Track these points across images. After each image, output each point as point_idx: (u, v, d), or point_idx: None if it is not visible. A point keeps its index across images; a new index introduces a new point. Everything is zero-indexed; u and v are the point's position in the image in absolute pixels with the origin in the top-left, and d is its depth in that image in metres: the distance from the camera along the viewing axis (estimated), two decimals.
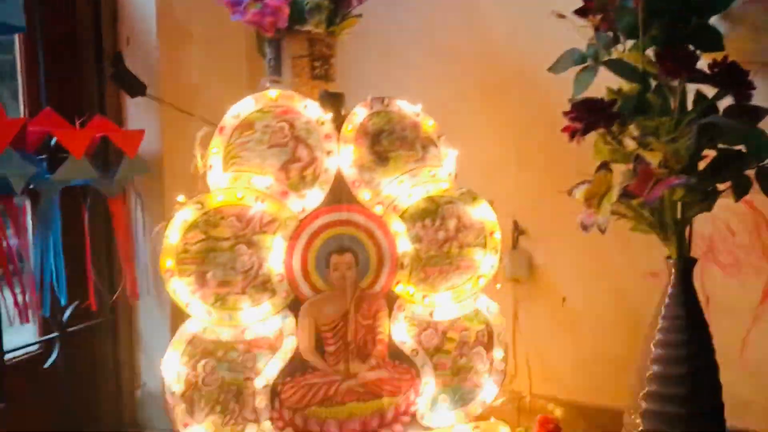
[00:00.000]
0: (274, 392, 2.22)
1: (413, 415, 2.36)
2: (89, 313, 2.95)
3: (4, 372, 2.64)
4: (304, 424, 2.25)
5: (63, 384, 2.88)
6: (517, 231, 2.94)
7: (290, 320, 2.24)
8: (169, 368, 2.14)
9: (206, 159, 2.15)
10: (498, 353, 2.45)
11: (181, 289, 2.14)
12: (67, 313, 2.87)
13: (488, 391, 2.44)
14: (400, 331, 2.35)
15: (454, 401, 2.41)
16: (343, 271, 2.28)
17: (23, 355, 2.86)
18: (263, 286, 2.21)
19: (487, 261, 2.42)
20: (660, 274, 2.54)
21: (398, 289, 2.35)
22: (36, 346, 2.92)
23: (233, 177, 2.18)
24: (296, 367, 2.25)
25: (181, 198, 2.17)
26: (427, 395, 2.37)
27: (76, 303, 2.87)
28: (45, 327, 2.91)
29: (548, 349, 2.89)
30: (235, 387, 2.20)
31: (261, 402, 2.21)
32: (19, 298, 2.42)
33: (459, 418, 2.41)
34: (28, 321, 2.43)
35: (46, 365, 2.83)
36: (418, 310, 2.37)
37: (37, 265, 2.55)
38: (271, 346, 2.23)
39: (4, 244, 2.40)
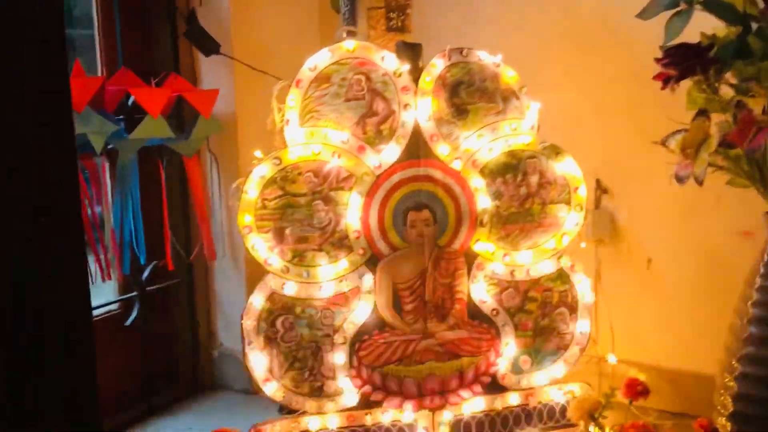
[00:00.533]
0: (352, 350, 2.20)
1: (494, 376, 2.29)
2: (167, 273, 2.99)
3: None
4: (382, 382, 2.21)
5: (142, 343, 2.94)
6: (600, 189, 2.81)
7: (367, 278, 2.20)
8: (249, 324, 2.13)
9: (283, 113, 2.12)
10: (582, 315, 2.35)
11: (259, 245, 2.12)
12: (146, 272, 2.92)
13: (571, 353, 2.36)
14: (479, 290, 2.28)
15: (536, 363, 2.34)
16: (421, 228, 2.22)
17: (104, 313, 2.93)
18: (340, 242, 2.18)
19: (571, 218, 2.32)
20: (755, 232, 2.39)
21: (477, 247, 2.28)
22: (116, 306, 2.98)
23: (309, 132, 2.14)
24: (374, 325, 2.21)
25: (258, 153, 2.15)
26: (507, 356, 2.30)
27: (155, 262, 2.91)
28: (125, 286, 2.96)
29: (632, 312, 2.77)
30: (313, 344, 2.18)
31: (339, 359, 2.18)
32: (101, 256, 2.46)
33: (541, 380, 2.34)
34: (110, 278, 2.47)
35: (127, 323, 2.89)
36: (498, 269, 2.30)
37: (117, 224, 2.59)
38: (348, 304, 2.20)
39: (87, 204, 2.44)
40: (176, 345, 3.17)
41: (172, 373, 3.14)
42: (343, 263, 2.18)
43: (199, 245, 2.88)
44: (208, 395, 3.17)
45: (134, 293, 2.90)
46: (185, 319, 3.17)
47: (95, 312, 2.88)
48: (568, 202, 2.32)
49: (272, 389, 2.15)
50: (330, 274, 2.18)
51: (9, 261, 0.99)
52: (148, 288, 2.94)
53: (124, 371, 2.95)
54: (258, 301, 2.14)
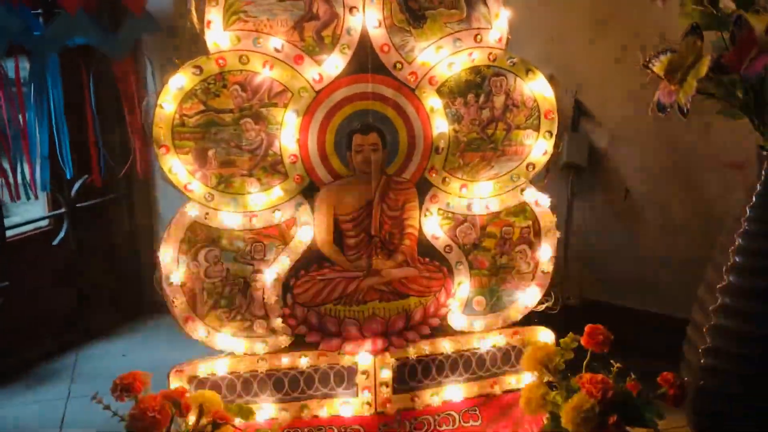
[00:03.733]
0: (286, 287, 1.97)
1: (443, 318, 2.08)
2: (102, 189, 2.73)
3: (5, 248, 2.46)
4: (319, 323, 2.00)
5: (76, 264, 2.71)
6: (579, 110, 2.53)
7: (305, 208, 1.95)
8: (166, 257, 1.90)
9: (203, 13, 1.80)
10: (545, 253, 2.12)
11: (178, 167, 1.86)
12: (75, 187, 2.66)
13: (531, 294, 2.14)
14: (432, 224, 2.04)
15: (491, 304, 2.12)
16: (368, 154, 1.94)
17: (31, 231, 2.68)
18: (273, 168, 1.91)
19: (539, 146, 2.05)
20: (746, 165, 2.14)
21: (431, 177, 2.02)
22: (46, 222, 2.74)
23: (235, 36, 1.82)
24: (311, 260, 1.98)
25: (177, 61, 1.85)
26: (460, 296, 2.09)
27: (85, 177, 2.65)
28: (55, 202, 2.71)
29: (604, 248, 2.55)
30: (241, 279, 1.95)
31: (271, 297, 1.96)
32: (9, 172, 2.18)
33: (495, 322, 2.13)
34: (18, 198, 2.20)
35: (55, 242, 2.66)
36: (453, 201, 2.05)
37: (33, 134, 2.31)
38: (282, 237, 1.96)
39: None
40: (116, 265, 2.95)
41: (111, 296, 2.93)
42: (277, 191, 1.93)
43: (132, 159, 2.61)
44: (152, 318, 2.97)
45: (62, 210, 2.65)
46: (124, 237, 2.93)
47: (22, 228, 2.65)
48: (536, 128, 2.04)
49: (194, 329, 1.94)
50: (261, 203, 1.93)
51: None
52: (79, 204, 2.69)
53: (60, 292, 2.74)
54: (177, 230, 1.90)
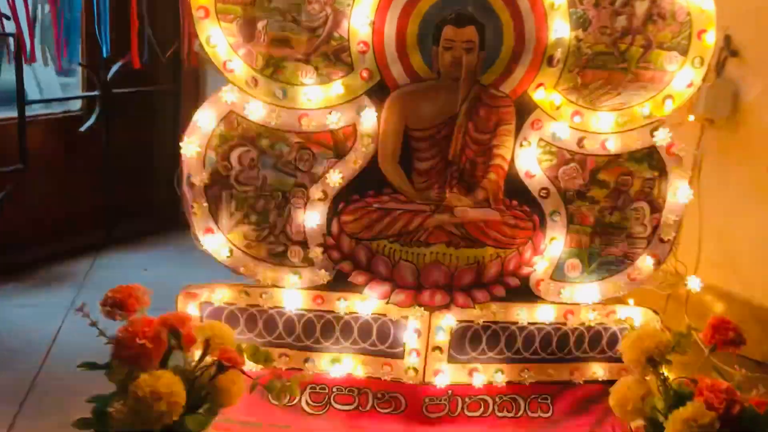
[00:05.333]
0: (334, 210, 1.59)
1: (525, 278, 1.68)
2: (147, 77, 2.38)
3: (23, 126, 2.14)
4: (367, 261, 1.62)
5: (106, 158, 2.38)
6: (728, 51, 2.04)
7: (369, 113, 1.56)
8: (190, 150, 1.52)
9: None
10: (669, 216, 1.68)
11: (217, 38, 1.49)
12: (113, 69, 2.31)
13: (641, 265, 1.71)
14: (528, 158, 1.63)
15: (589, 271, 1.71)
16: (459, 53, 1.54)
17: (59, 113, 2.36)
18: (336, 56, 1.54)
19: (683, 75, 1.61)
20: None
21: (538, 96, 1.59)
22: (78, 108, 2.41)
23: None
24: (369, 182, 1.60)
25: None
26: (549, 255, 1.68)
27: (127, 59, 2.29)
28: (91, 85, 2.38)
29: (733, 224, 2.09)
30: (280, 193, 1.59)
31: (313, 220, 1.57)
32: (24, 28, 1.83)
33: (589, 295, 1.70)
34: (34, 60, 1.85)
35: (82, 129, 2.32)
36: (561, 131, 1.63)
37: None
38: (337, 147, 1.58)
39: None
40: (152, 167, 2.62)
41: (144, 199, 2.61)
42: (337, 87, 1.56)
43: (178, 43, 2.23)
44: (185, 234, 2.64)
45: (95, 93, 2.32)
46: (166, 135, 2.58)
47: (49, 109, 2.33)
48: (684, 51, 1.63)
49: (214, 244, 1.57)
50: (317, 99, 1.56)
51: None
52: (115, 90, 2.35)
53: (83, 187, 2.42)
54: (208, 119, 1.52)
